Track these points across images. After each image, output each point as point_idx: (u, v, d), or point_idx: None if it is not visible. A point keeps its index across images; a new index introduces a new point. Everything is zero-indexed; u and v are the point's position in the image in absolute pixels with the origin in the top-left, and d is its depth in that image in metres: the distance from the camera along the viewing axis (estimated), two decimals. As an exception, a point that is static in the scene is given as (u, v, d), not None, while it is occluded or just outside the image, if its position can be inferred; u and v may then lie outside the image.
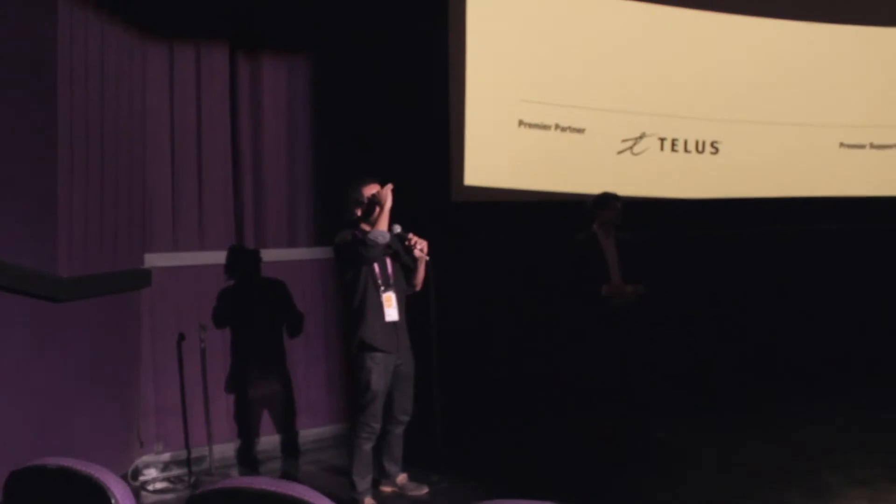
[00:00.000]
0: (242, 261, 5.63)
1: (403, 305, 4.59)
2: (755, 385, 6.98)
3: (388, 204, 4.36)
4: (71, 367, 4.44)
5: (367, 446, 4.50)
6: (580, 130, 6.87)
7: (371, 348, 4.43)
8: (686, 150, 7.35)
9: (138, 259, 5.28)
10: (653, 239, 6.39)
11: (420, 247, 4.53)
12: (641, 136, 7.13)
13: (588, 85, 6.89)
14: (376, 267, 4.49)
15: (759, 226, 7.47)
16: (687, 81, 7.26)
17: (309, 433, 5.84)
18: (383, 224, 4.35)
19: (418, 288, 4.68)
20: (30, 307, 4.08)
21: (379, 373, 4.42)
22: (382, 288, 4.49)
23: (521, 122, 6.65)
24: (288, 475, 5.34)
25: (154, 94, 5.41)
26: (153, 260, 5.36)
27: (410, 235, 4.55)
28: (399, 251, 4.61)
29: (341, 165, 5.78)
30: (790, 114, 7.65)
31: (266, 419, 5.72)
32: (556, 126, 6.78)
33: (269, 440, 5.72)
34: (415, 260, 4.59)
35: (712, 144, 7.43)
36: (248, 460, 5.55)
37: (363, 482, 4.51)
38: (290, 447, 5.75)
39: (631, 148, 7.10)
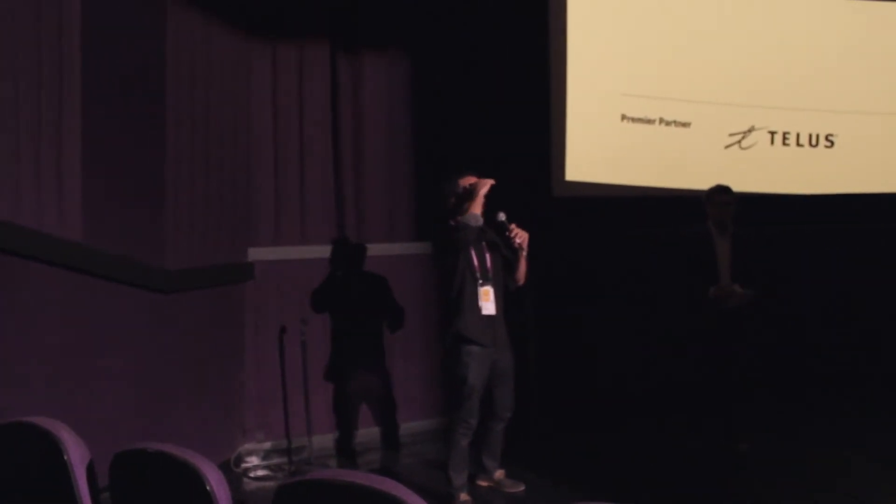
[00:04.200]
0: (343, 255, 5.71)
1: (501, 300, 4.45)
2: (874, 393, 6.56)
3: (483, 191, 4.24)
4: (177, 356, 4.60)
5: (464, 442, 4.42)
6: (685, 124, 6.68)
7: (467, 341, 4.32)
8: (798, 144, 7.06)
9: (242, 253, 5.44)
10: (765, 236, 6.07)
11: (519, 239, 4.38)
12: (750, 130, 6.89)
13: (694, 77, 6.70)
14: (475, 259, 4.38)
15: (878, 222, 7.08)
16: (798, 72, 6.96)
17: (408, 426, 5.88)
18: (476, 208, 4.23)
19: (521, 282, 4.54)
20: (139, 298, 4.24)
21: (476, 367, 4.31)
22: (480, 281, 4.37)
23: (623, 117, 6.51)
24: (386, 468, 5.38)
25: (258, 93, 5.58)
26: (256, 254, 5.52)
27: (512, 226, 4.40)
28: (499, 243, 4.50)
29: (441, 161, 5.75)
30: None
31: (365, 412, 5.79)
32: (661, 120, 6.62)
33: (367, 432, 5.78)
34: (515, 252, 4.46)
35: (827, 137, 7.10)
36: (347, 451, 5.63)
37: (459, 477, 4.45)
38: (389, 440, 5.80)
39: (739, 142, 6.86)
